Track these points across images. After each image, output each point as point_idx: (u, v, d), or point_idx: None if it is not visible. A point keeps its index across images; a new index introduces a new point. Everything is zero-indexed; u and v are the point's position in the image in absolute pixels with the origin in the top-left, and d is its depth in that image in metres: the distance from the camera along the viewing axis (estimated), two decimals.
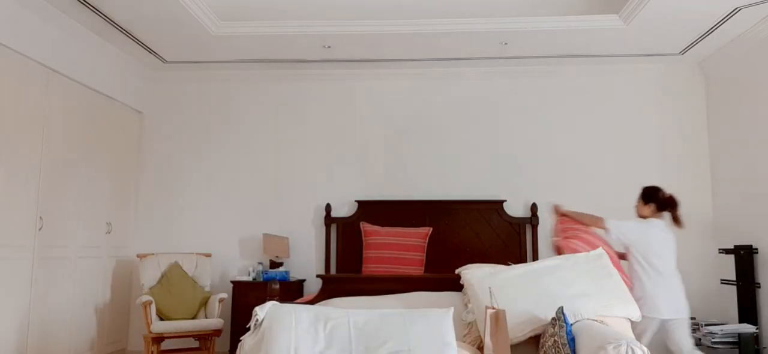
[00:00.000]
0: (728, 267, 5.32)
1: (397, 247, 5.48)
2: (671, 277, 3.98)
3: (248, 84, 6.23)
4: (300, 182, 6.07)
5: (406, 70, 6.05)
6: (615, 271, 3.32)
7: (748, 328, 4.73)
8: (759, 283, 4.94)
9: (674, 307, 3.91)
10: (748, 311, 4.93)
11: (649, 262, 3.96)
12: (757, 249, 4.97)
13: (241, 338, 2.81)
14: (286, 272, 5.59)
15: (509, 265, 3.46)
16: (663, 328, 3.93)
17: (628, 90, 5.94)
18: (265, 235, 5.70)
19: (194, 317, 5.29)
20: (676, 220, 4.09)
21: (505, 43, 5.39)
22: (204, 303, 5.39)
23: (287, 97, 6.19)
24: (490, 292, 2.99)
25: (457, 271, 3.46)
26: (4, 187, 4.28)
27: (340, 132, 6.11)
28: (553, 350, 2.66)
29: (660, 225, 4.09)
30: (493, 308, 2.88)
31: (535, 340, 2.99)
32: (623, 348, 2.38)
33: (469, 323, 3.17)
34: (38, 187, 4.64)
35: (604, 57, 5.75)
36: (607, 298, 3.11)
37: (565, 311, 2.83)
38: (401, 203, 5.89)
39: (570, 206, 5.93)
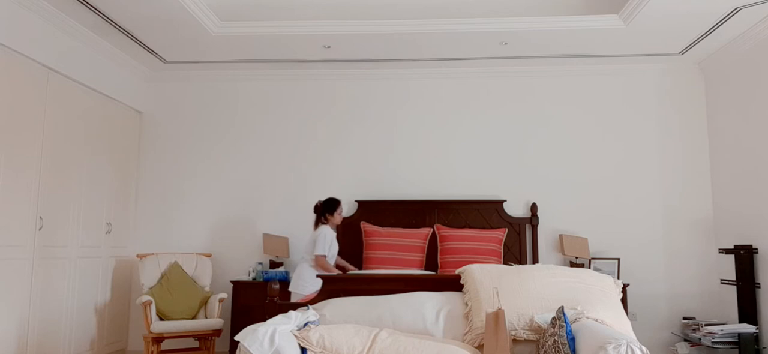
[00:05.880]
0: (728, 267, 5.32)
1: (397, 247, 5.49)
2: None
3: (248, 84, 6.23)
4: (300, 182, 6.07)
5: (405, 70, 6.05)
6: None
7: (748, 328, 4.73)
8: (759, 283, 4.94)
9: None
10: (748, 311, 4.93)
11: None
12: (757, 249, 4.97)
13: (236, 338, 2.79)
14: (286, 272, 5.59)
15: (510, 265, 3.47)
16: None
17: (628, 90, 5.94)
18: (265, 235, 5.70)
19: (194, 317, 5.29)
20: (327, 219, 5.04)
21: (505, 43, 5.39)
22: (204, 303, 5.39)
23: (287, 97, 6.19)
24: (497, 292, 3.00)
25: (457, 271, 3.46)
26: (4, 187, 4.28)
27: (339, 132, 6.11)
28: (553, 350, 2.66)
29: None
30: (494, 309, 2.88)
31: (535, 340, 2.99)
32: (623, 348, 2.38)
33: (469, 322, 3.17)
34: (38, 187, 4.64)
35: (604, 57, 5.75)
36: (606, 298, 3.12)
37: (565, 311, 2.83)
38: (401, 203, 5.89)
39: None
